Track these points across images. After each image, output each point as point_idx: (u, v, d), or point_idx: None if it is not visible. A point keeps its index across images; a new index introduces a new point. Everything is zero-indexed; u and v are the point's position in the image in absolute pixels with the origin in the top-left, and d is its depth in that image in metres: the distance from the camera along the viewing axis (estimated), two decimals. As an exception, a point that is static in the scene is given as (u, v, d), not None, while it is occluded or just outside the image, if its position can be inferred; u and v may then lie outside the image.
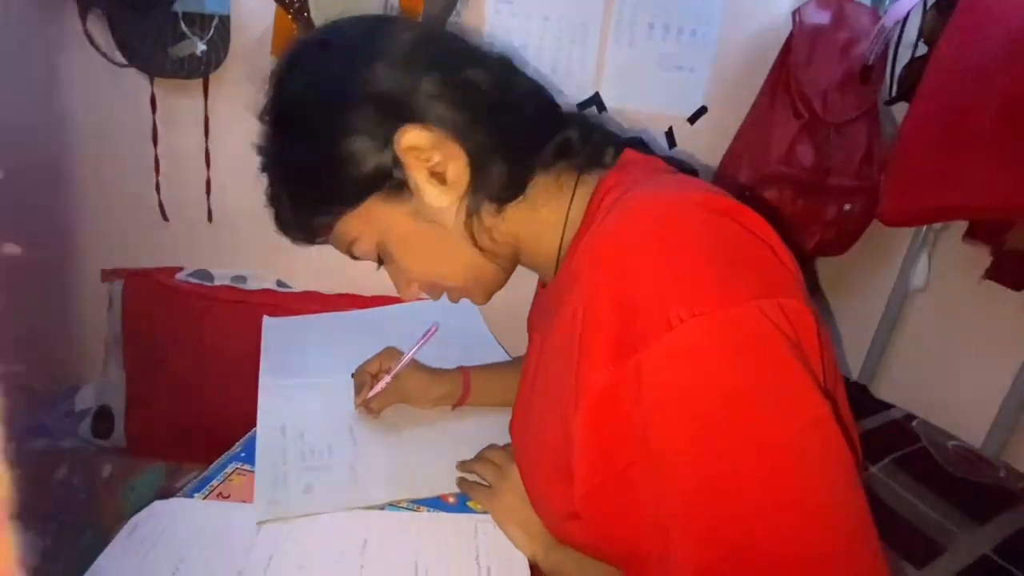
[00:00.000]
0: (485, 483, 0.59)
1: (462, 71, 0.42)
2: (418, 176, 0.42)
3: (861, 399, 1.06)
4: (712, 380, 0.32)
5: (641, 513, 0.37)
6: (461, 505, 0.60)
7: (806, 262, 1.29)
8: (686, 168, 0.53)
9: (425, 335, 0.70)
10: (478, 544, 0.54)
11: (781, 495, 0.32)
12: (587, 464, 0.38)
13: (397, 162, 0.42)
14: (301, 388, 0.74)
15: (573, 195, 0.46)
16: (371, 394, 0.68)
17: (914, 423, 0.94)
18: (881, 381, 1.13)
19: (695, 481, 0.33)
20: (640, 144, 0.52)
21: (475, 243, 0.45)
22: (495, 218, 0.45)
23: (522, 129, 0.44)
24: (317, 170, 0.44)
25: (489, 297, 0.52)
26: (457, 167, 0.42)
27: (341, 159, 0.42)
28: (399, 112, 0.41)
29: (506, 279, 0.51)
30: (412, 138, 0.41)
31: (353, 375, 0.73)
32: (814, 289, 1.33)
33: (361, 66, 0.41)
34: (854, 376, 1.15)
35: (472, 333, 0.94)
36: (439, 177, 0.42)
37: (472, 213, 0.44)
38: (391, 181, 0.43)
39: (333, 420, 0.70)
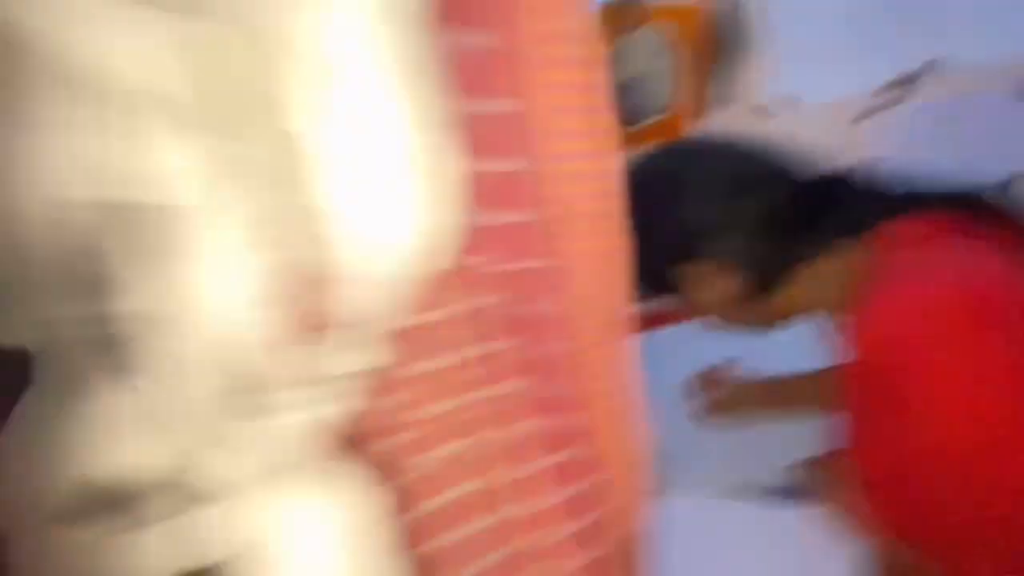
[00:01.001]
0: None
1: (749, 198, 0.51)
2: (694, 291, 0.53)
3: None
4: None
5: None
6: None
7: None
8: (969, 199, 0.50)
9: None
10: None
11: None
12: None
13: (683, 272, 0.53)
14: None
15: (835, 272, 0.50)
16: None
17: None
18: None
19: None
20: (915, 202, 0.50)
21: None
22: (762, 302, 0.53)
23: (791, 235, 0.51)
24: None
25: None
26: (730, 279, 0.52)
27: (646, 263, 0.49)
28: (691, 248, 0.51)
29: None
30: (695, 269, 0.52)
31: None
32: None
33: (672, 200, 0.52)
34: None
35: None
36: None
37: (742, 300, 0.53)
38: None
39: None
